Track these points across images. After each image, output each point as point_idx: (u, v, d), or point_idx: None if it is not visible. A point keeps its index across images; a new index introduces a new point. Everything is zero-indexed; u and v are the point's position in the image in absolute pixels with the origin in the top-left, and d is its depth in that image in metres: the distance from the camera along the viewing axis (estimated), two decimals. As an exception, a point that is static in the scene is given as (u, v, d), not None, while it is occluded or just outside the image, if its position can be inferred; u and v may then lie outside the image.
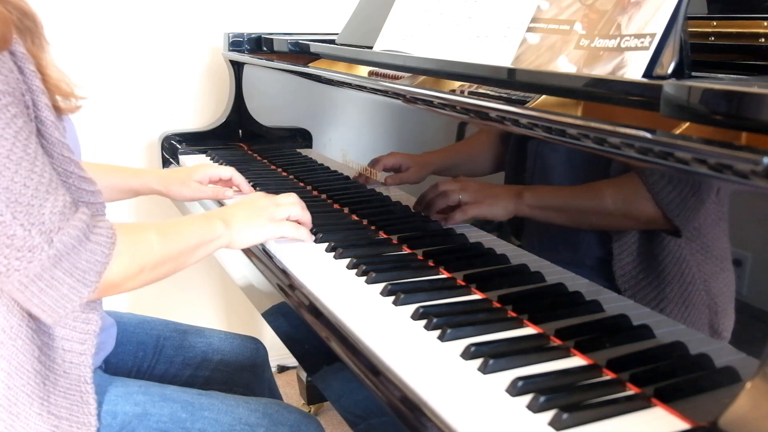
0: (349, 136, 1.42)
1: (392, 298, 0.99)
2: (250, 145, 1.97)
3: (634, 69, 0.88)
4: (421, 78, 1.35)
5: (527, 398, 0.73)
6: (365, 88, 1.30)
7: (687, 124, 0.80)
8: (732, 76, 0.99)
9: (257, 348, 1.34)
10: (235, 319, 2.30)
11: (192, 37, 2.06)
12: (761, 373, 0.63)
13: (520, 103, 1.04)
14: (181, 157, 1.92)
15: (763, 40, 1.11)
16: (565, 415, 0.69)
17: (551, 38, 1.05)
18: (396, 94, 1.20)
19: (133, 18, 1.98)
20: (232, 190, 1.44)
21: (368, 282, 1.04)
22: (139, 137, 2.05)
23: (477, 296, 1.01)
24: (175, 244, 0.95)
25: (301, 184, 1.58)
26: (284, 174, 1.68)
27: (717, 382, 0.69)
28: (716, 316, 0.70)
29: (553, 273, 0.90)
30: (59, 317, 0.83)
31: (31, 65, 0.82)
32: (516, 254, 0.97)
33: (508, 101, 1.07)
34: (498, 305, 0.97)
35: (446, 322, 0.89)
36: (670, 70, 0.86)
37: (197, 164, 1.42)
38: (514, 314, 0.93)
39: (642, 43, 0.89)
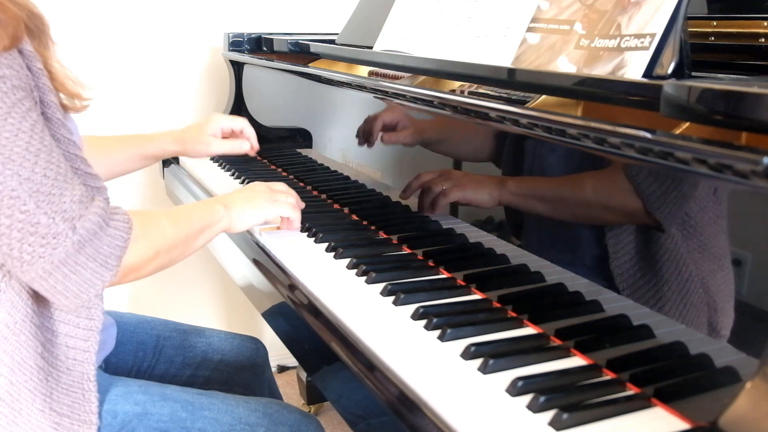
0: (349, 136, 1.42)
1: (392, 298, 0.99)
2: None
3: (634, 69, 0.89)
4: (421, 78, 1.35)
5: (527, 398, 0.73)
6: (365, 88, 1.30)
7: (687, 124, 0.80)
8: (732, 76, 0.99)
9: (257, 348, 1.34)
10: (235, 319, 2.30)
11: (192, 37, 2.06)
12: (761, 373, 0.63)
13: (520, 103, 1.04)
14: (182, 157, 1.92)
15: (763, 40, 1.11)
16: (565, 415, 0.69)
17: (551, 38, 1.05)
18: (396, 94, 1.20)
19: (134, 18, 1.98)
20: (248, 143, 1.44)
21: (368, 282, 1.04)
22: (139, 137, 2.05)
23: (477, 296, 1.01)
24: (184, 227, 0.99)
25: (301, 184, 1.58)
26: (284, 174, 1.68)
27: (717, 382, 0.69)
28: (716, 316, 0.70)
29: (553, 273, 0.90)
30: (82, 302, 0.85)
31: (39, 63, 0.84)
32: (516, 254, 0.97)
33: (508, 101, 1.07)
34: (498, 305, 0.97)
35: (446, 322, 0.89)
36: (670, 70, 0.86)
37: (208, 117, 1.43)
38: (514, 314, 0.93)
39: (642, 43, 0.89)
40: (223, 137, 1.43)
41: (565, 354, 0.83)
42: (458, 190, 1.09)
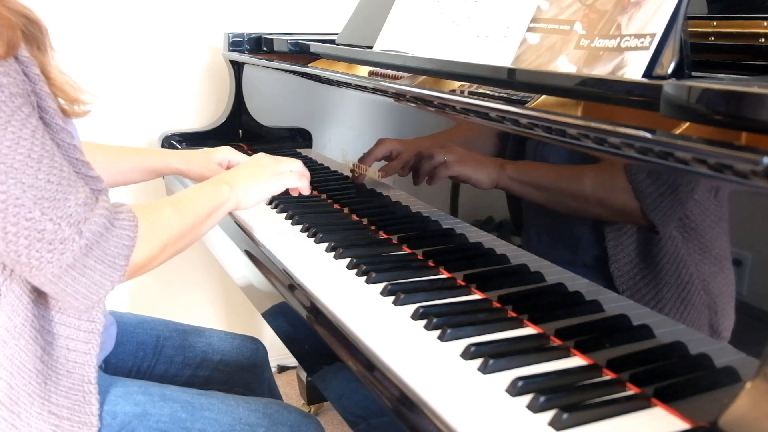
0: (349, 136, 1.42)
1: (392, 298, 0.99)
2: (250, 145, 1.97)
3: (634, 69, 0.88)
4: (421, 78, 1.35)
5: (527, 398, 0.73)
6: (365, 88, 1.30)
7: (687, 124, 0.80)
8: (732, 76, 0.99)
9: (257, 348, 1.34)
10: (235, 319, 2.30)
11: (192, 37, 2.06)
12: (761, 373, 0.63)
13: (520, 103, 1.04)
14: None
15: (763, 40, 1.10)
16: (565, 415, 0.69)
17: (551, 38, 1.05)
18: (396, 94, 1.20)
19: (133, 18, 1.98)
20: None
21: (368, 282, 1.04)
22: (140, 137, 2.05)
23: (477, 296, 1.01)
24: (190, 214, 0.99)
25: (301, 184, 1.58)
26: (284, 174, 1.68)
27: (717, 382, 0.69)
28: (716, 316, 0.70)
29: (553, 273, 0.90)
30: (92, 303, 0.85)
31: (36, 69, 0.83)
32: (516, 254, 0.97)
33: (508, 101, 1.07)
34: (498, 305, 0.97)
35: (446, 322, 0.89)
36: (670, 70, 0.86)
37: (219, 147, 1.42)
38: (514, 314, 0.93)
39: (642, 43, 0.89)
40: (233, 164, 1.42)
41: (565, 354, 0.83)
42: (460, 165, 1.08)
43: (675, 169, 0.71)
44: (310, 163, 1.59)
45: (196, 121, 2.12)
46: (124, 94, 2.01)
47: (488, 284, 1.01)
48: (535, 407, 0.72)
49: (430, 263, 1.11)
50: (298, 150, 1.65)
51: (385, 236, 1.23)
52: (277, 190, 1.16)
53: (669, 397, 0.73)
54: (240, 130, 2.02)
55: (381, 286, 1.02)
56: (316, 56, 1.69)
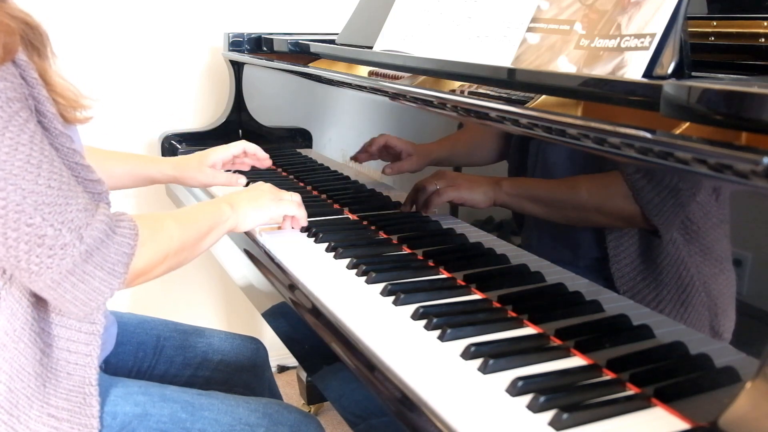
0: (349, 136, 1.42)
1: (392, 298, 0.99)
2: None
3: (634, 69, 0.88)
4: (421, 78, 1.35)
5: (527, 398, 0.73)
6: (365, 88, 1.30)
7: (687, 124, 0.80)
8: (732, 76, 0.99)
9: (257, 348, 1.34)
10: (235, 319, 2.30)
11: (192, 37, 2.06)
12: (761, 373, 0.63)
13: (520, 103, 1.03)
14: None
15: (763, 40, 1.10)
16: (565, 415, 0.69)
17: (551, 38, 1.05)
18: (396, 94, 1.20)
19: (133, 18, 1.98)
20: (245, 177, 1.43)
21: (368, 282, 1.04)
22: (139, 137, 2.05)
23: (477, 296, 1.01)
24: (191, 229, 0.99)
25: (301, 184, 1.58)
26: (284, 174, 1.68)
27: (717, 382, 0.69)
28: (716, 316, 0.70)
29: (553, 273, 0.90)
30: (91, 310, 0.85)
31: (34, 72, 0.83)
32: (516, 254, 0.97)
33: (508, 101, 1.07)
34: (498, 305, 0.97)
35: (446, 322, 0.89)
36: (670, 70, 0.86)
37: (207, 150, 1.41)
38: (514, 314, 0.93)
39: (642, 43, 0.89)
40: (226, 163, 1.42)
41: (565, 354, 0.83)
42: (452, 189, 1.09)
43: (675, 170, 0.71)
44: (310, 163, 1.59)
45: (196, 121, 2.12)
46: (125, 94, 2.01)
47: (488, 284, 1.01)
48: (535, 407, 0.72)
49: (430, 263, 1.11)
50: (298, 150, 1.65)
51: (385, 236, 1.23)
52: (276, 215, 1.18)
53: (669, 397, 0.73)
54: (240, 130, 2.02)
55: (381, 286, 1.02)
56: (316, 56, 1.69)
